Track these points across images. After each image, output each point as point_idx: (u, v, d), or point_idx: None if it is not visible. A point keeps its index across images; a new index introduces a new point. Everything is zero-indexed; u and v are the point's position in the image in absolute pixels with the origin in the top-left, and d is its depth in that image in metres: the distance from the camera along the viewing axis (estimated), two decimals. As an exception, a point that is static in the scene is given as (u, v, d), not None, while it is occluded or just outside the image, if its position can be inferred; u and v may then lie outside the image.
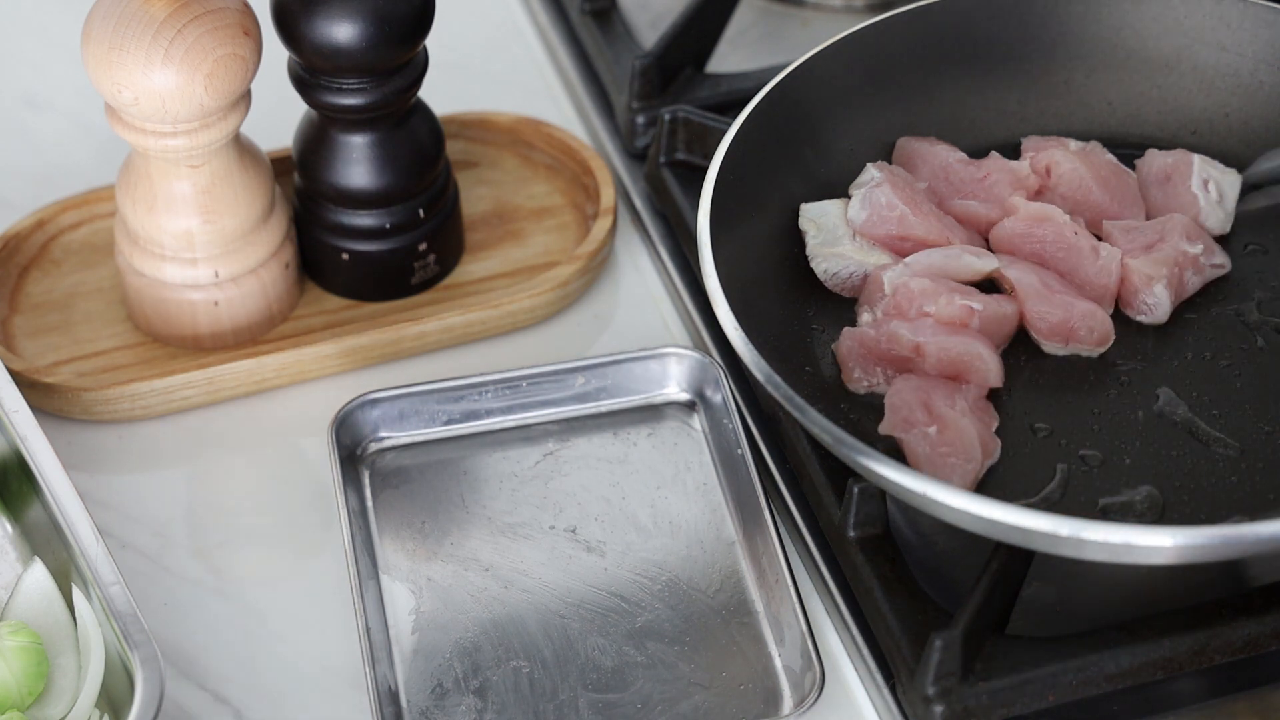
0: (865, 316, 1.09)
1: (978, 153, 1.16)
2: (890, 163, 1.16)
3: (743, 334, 1.01)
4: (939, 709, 0.95)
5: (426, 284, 1.18)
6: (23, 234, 1.20)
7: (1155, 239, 1.11)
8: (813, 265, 1.11)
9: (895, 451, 1.03)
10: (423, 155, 1.15)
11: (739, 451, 1.08)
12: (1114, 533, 0.93)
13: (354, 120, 1.12)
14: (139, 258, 1.14)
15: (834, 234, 1.12)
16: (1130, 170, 1.16)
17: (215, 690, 1.02)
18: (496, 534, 1.07)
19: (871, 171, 1.14)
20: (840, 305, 1.11)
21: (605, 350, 1.16)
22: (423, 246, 1.17)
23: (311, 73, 1.11)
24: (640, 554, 1.06)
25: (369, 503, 1.09)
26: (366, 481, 1.10)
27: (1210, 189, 1.14)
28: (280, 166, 1.22)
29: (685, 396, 1.13)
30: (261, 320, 1.15)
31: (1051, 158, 1.14)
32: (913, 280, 1.08)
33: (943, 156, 1.15)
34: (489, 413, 1.12)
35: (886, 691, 0.99)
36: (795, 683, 1.00)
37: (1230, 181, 1.15)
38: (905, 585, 1.00)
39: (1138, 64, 1.19)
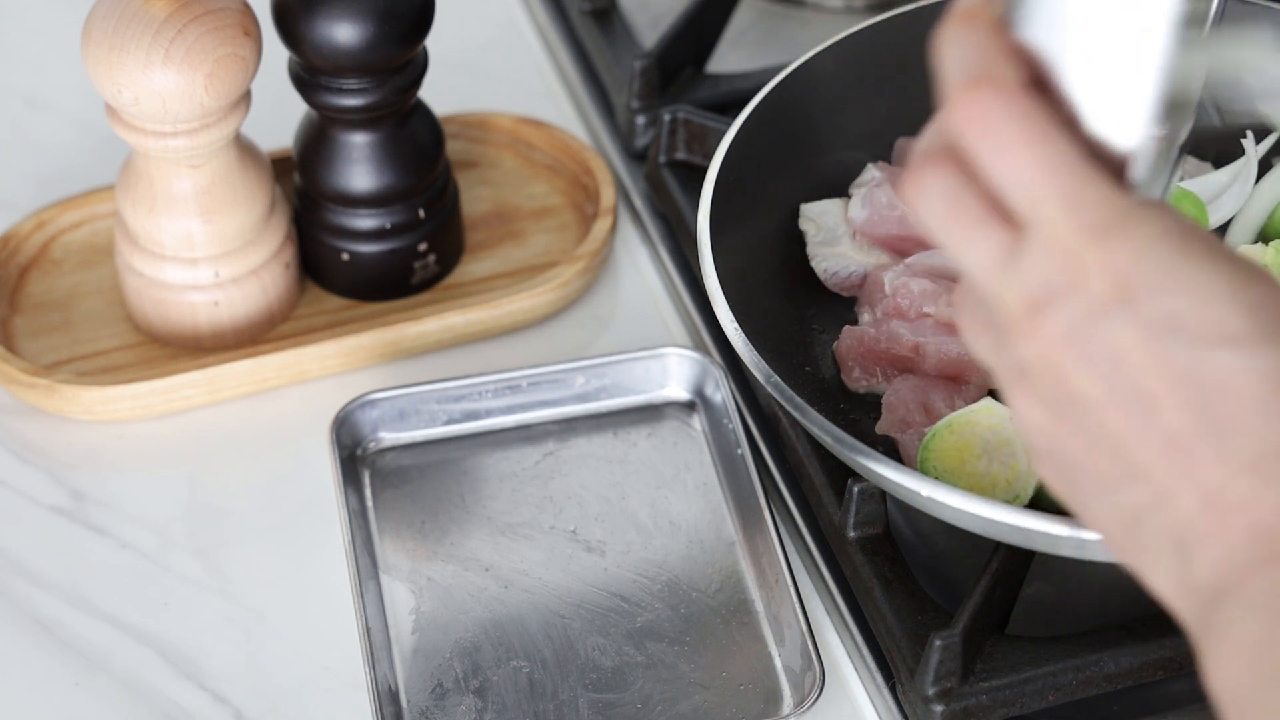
0: (865, 316, 1.09)
1: (978, 153, 1.16)
2: (890, 163, 1.16)
3: (743, 334, 1.01)
4: (939, 709, 0.95)
5: (426, 284, 1.18)
6: (23, 234, 1.20)
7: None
8: (813, 265, 1.11)
9: (895, 452, 1.03)
10: (423, 155, 1.15)
11: (739, 451, 1.08)
12: (1114, 533, 0.93)
13: (354, 120, 1.12)
14: (139, 258, 1.14)
15: (834, 234, 1.12)
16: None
17: (215, 690, 1.02)
18: (496, 534, 1.07)
19: (871, 171, 1.14)
20: (840, 305, 1.11)
21: (605, 350, 1.16)
22: (423, 246, 1.17)
23: (311, 73, 1.11)
24: (640, 554, 1.06)
25: (369, 503, 1.09)
26: (366, 481, 1.10)
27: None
28: (280, 166, 1.22)
29: (685, 396, 1.13)
30: (261, 320, 1.15)
31: (1051, 158, 1.14)
32: (913, 280, 1.08)
33: (943, 156, 1.15)
34: (489, 413, 1.12)
35: (886, 691, 0.99)
36: (795, 683, 1.00)
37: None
38: (905, 585, 1.00)
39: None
